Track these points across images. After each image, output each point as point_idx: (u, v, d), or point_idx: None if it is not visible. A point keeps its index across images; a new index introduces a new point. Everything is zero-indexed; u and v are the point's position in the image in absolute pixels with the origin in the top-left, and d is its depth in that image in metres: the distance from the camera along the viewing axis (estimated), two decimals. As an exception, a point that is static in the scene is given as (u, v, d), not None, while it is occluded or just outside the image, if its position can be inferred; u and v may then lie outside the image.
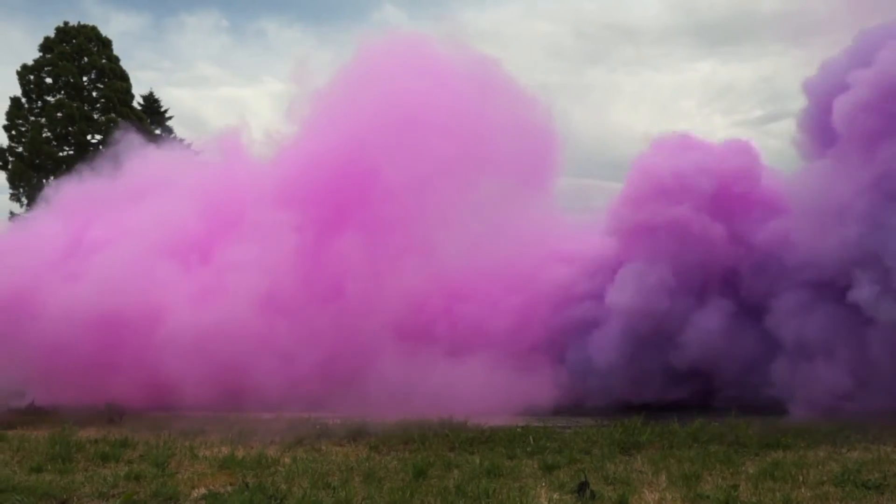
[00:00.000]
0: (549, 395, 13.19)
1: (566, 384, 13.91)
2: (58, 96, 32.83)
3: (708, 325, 13.68)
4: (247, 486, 7.42)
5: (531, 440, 9.97)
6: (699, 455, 8.87)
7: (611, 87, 68.35)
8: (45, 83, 32.93)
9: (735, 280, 14.31)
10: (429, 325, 14.74)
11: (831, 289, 12.66)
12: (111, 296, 13.66)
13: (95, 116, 33.09)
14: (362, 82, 15.50)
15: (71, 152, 32.67)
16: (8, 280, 14.00)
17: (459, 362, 13.75)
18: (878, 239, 11.74)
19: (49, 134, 32.69)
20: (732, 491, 6.98)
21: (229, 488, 7.52)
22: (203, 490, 7.51)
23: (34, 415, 13.53)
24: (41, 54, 33.08)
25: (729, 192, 14.36)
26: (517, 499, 6.91)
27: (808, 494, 6.95)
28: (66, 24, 33.40)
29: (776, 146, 64.27)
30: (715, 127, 70.74)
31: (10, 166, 32.40)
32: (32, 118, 32.79)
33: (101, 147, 28.55)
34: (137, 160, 16.90)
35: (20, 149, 32.43)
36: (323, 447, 9.95)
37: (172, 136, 35.70)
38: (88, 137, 32.76)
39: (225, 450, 9.65)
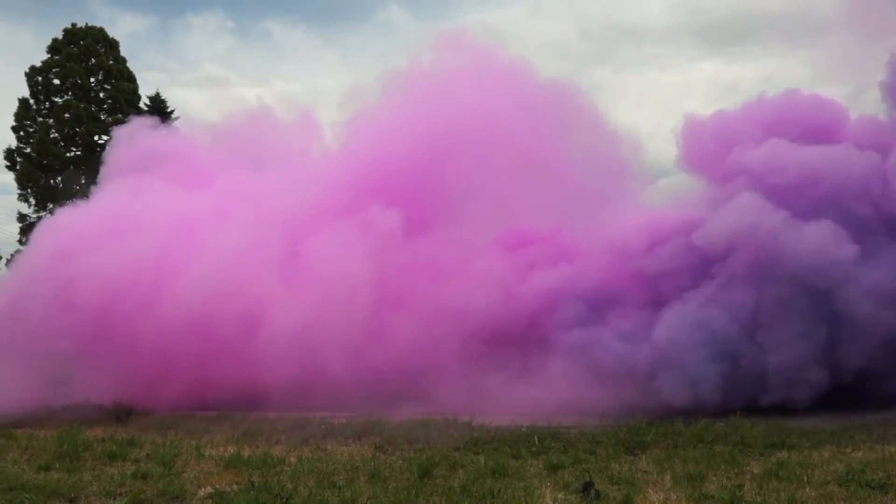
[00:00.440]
0: (639, 399, 12.35)
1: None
2: (65, 97, 32.95)
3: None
4: (252, 485, 7.46)
5: (536, 440, 9.99)
6: (704, 455, 8.85)
7: (616, 87, 68.31)
8: (52, 84, 33.05)
9: None
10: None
11: None
12: (214, 291, 13.63)
13: (103, 117, 33.16)
14: (439, 85, 15.86)
15: (78, 153, 32.86)
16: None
17: (533, 365, 13.34)
18: None
19: (57, 135, 32.80)
20: (737, 491, 6.98)
21: (235, 487, 7.57)
22: (209, 489, 7.57)
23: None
24: (49, 56, 33.21)
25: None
26: (522, 498, 6.92)
27: (813, 494, 6.93)
28: (73, 25, 33.59)
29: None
30: (721, 127, 70.19)
31: (18, 167, 32.55)
32: (40, 119, 32.92)
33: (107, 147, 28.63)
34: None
35: (28, 149, 32.56)
36: (328, 447, 9.99)
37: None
38: (96, 138, 32.85)
39: (231, 449, 9.70)
